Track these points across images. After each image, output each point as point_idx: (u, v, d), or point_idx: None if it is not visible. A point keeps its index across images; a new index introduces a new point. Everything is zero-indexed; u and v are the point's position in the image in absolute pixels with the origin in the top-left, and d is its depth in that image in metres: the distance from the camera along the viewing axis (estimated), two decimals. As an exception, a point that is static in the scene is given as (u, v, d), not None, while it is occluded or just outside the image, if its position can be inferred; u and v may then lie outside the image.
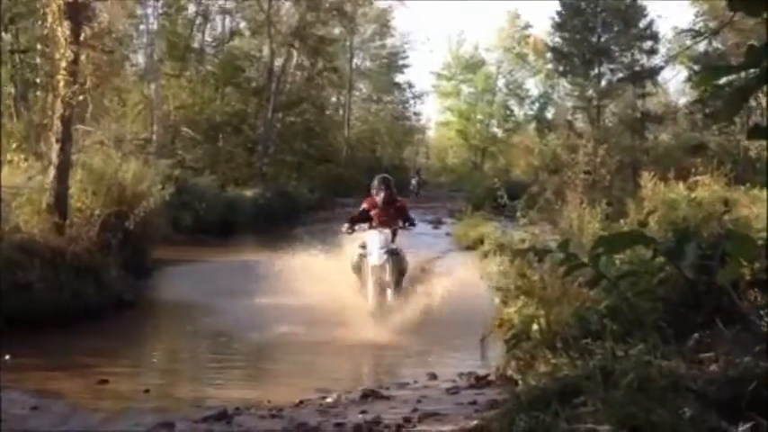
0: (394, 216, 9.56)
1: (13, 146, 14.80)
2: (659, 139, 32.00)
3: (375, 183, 9.75)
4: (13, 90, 18.03)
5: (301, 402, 5.55)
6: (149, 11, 25.99)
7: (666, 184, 11.61)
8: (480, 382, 6.11)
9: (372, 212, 9.56)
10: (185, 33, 29.07)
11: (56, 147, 10.06)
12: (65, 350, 7.22)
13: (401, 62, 45.57)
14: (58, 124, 10.09)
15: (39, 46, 17.19)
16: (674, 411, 3.15)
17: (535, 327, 5.82)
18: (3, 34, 17.80)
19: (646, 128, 31.27)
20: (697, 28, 30.18)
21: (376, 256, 8.99)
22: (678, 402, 3.23)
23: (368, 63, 45.12)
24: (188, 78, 28.25)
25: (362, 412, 5.25)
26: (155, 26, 26.23)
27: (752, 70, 1.83)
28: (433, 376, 6.50)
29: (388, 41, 44.59)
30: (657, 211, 8.61)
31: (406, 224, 9.62)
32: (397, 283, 9.40)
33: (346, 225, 9.55)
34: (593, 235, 7.97)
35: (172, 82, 27.27)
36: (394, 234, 9.41)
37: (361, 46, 43.48)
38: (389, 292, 9.05)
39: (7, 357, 6.68)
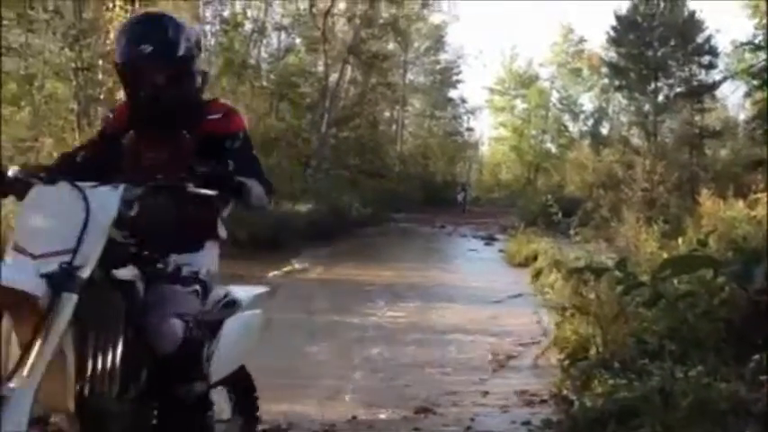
0: (184, 148, 2.84)
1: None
2: (718, 156, 31.42)
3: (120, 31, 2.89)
4: (76, 106, 18.53)
5: (354, 418, 5.56)
6: (207, 27, 26.47)
7: (725, 201, 11.39)
8: (534, 400, 6.05)
9: (128, 136, 2.91)
10: (242, 49, 29.50)
11: (116, 161, 10.27)
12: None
13: (454, 77, 45.66)
14: (118, 139, 10.31)
15: (101, 62, 17.67)
16: (736, 435, 3.09)
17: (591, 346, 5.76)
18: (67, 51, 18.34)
19: (704, 144, 30.73)
20: (756, 42, 29.57)
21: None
22: (739, 426, 3.17)
23: (421, 78, 45.28)
24: (243, 93, 28.64)
25: (415, 429, 5.24)
26: (212, 42, 26.68)
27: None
28: (486, 394, 6.45)
29: (442, 57, 44.70)
30: (716, 230, 8.44)
31: (238, 184, 2.74)
32: None
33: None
34: (650, 253, 7.85)
35: (228, 97, 27.70)
36: (182, 205, 2.63)
37: (415, 61, 43.67)
38: None
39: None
